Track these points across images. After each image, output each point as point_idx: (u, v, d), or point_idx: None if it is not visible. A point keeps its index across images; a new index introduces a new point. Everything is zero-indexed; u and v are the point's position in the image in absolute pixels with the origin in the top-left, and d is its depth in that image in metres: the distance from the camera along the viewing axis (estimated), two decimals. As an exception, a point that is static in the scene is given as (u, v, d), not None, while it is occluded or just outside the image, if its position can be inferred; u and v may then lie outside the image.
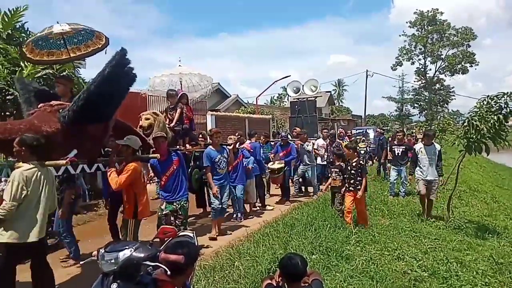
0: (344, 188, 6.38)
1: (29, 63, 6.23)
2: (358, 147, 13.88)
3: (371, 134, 19.73)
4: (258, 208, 7.63)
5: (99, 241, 4.56)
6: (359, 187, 6.05)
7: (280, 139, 8.62)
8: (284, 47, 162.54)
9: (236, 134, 7.73)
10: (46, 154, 3.40)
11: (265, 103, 36.41)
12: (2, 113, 6.54)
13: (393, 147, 9.22)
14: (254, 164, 7.38)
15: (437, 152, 6.68)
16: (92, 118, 3.67)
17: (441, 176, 6.88)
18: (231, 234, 5.97)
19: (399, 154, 8.88)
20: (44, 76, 6.74)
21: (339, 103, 54.63)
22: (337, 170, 6.77)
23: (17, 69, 6.49)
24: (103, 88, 3.49)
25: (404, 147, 8.93)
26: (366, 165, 14.65)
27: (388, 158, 9.61)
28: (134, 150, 4.25)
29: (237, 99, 24.32)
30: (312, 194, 8.86)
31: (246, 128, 15.24)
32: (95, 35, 4.82)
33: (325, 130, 10.27)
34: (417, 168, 6.80)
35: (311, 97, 14.22)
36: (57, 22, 4.26)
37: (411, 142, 9.29)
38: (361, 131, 21.29)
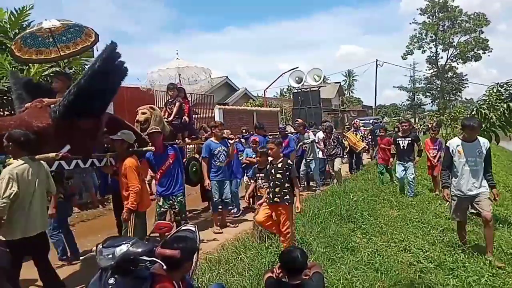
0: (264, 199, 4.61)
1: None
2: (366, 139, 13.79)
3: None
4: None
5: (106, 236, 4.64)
6: (287, 196, 4.31)
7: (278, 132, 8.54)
8: (292, 39, 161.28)
9: (242, 129, 7.74)
10: (38, 150, 3.40)
11: (274, 96, 36.38)
12: (12, 111, 6.66)
13: (397, 139, 7.78)
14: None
15: (485, 151, 4.33)
16: (83, 112, 3.65)
17: (494, 188, 4.48)
18: (237, 227, 6.01)
19: (405, 147, 7.57)
20: (51, 75, 6.81)
21: (349, 93, 54.16)
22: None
23: (24, 68, 6.59)
24: (93, 83, 3.46)
25: (410, 138, 7.61)
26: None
27: (392, 152, 8.26)
28: (129, 145, 4.27)
29: (246, 92, 24.30)
30: (315, 188, 8.78)
31: (254, 121, 15.21)
32: (84, 32, 4.78)
33: (325, 123, 10.01)
34: (452, 178, 4.50)
35: (315, 87, 13.91)
36: (45, 19, 4.24)
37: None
38: (368, 121, 20.89)
